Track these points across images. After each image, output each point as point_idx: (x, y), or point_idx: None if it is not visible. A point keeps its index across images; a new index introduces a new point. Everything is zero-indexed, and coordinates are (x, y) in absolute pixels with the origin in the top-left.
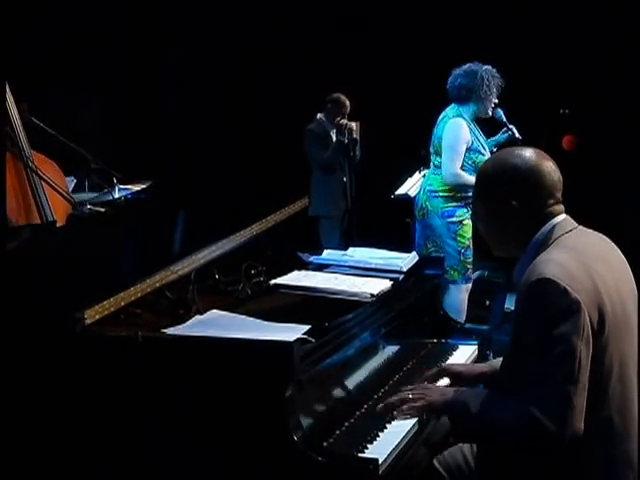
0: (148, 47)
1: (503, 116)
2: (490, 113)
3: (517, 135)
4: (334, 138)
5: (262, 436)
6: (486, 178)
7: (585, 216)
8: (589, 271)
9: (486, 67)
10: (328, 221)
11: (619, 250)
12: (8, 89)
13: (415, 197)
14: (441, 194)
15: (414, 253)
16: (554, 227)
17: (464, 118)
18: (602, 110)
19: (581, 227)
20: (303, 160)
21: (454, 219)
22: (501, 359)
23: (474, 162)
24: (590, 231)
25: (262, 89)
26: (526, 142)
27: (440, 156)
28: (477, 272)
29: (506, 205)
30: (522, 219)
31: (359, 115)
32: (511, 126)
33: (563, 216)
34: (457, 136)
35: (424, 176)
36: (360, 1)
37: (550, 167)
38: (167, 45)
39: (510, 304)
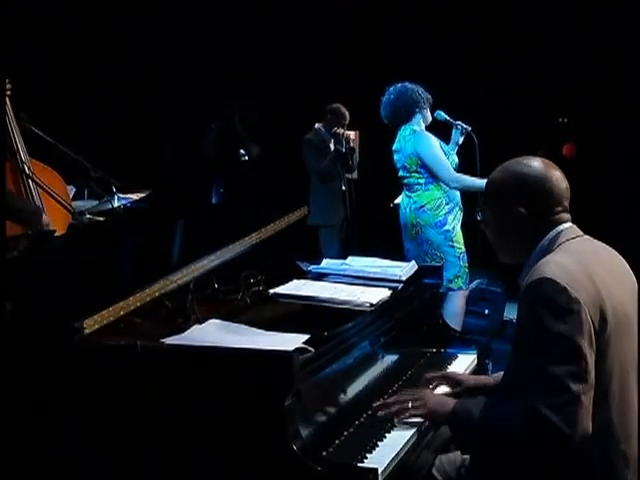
0: (147, 52)
1: (445, 115)
2: (430, 118)
3: (466, 126)
4: (332, 147)
5: (261, 446)
6: (495, 185)
7: (585, 224)
8: (590, 273)
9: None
10: (327, 230)
11: (623, 259)
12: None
13: (400, 221)
14: (428, 207)
15: (413, 262)
16: (559, 233)
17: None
18: (601, 118)
19: (586, 236)
20: (302, 170)
21: (447, 227)
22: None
23: None
24: (595, 240)
25: (261, 98)
26: (526, 151)
27: (417, 173)
28: (476, 282)
29: (514, 212)
30: (530, 226)
31: (358, 124)
32: (457, 122)
33: (569, 224)
34: (433, 145)
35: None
36: (358, 11)
37: (558, 176)
38: (166, 51)
39: (509, 313)
